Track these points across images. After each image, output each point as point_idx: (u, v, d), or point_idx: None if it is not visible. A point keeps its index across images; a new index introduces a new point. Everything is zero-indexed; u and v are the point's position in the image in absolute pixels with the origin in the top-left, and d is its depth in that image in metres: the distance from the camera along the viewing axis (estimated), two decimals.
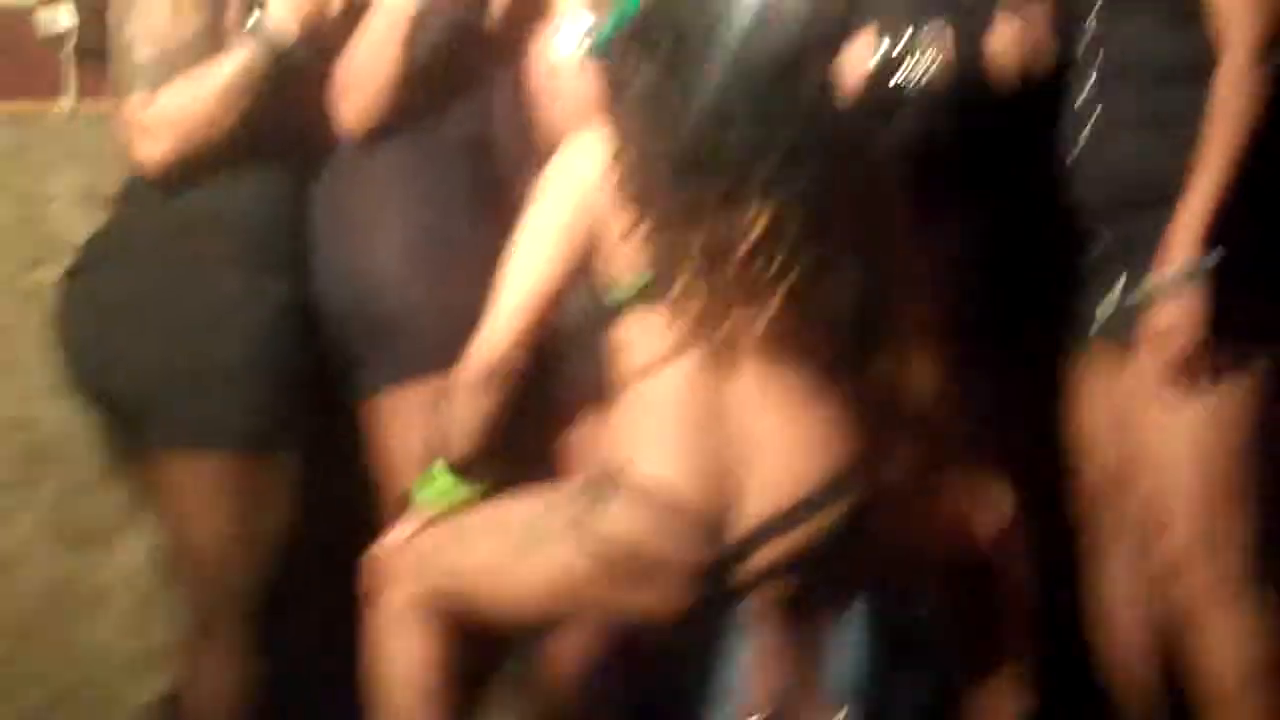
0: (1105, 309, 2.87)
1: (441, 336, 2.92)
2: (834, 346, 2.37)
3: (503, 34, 3.19)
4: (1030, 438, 3.02)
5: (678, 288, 2.27)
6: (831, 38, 2.38)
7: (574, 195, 2.38)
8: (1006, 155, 3.00)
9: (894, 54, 2.89)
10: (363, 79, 2.99)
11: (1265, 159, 2.72)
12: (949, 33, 2.95)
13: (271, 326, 2.91)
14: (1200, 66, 2.72)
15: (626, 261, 2.36)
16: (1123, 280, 2.83)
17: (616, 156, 2.30)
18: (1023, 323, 2.99)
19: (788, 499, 2.35)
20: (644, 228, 2.29)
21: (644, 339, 2.37)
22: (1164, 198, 2.74)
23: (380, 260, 3.00)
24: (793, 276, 2.26)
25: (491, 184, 3.11)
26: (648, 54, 2.27)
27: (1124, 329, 2.82)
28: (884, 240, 2.41)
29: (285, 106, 2.91)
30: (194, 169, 2.84)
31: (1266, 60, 2.70)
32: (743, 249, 2.22)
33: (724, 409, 2.36)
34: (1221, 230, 2.70)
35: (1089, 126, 2.86)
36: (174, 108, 2.80)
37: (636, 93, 2.29)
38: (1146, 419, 2.80)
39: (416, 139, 3.06)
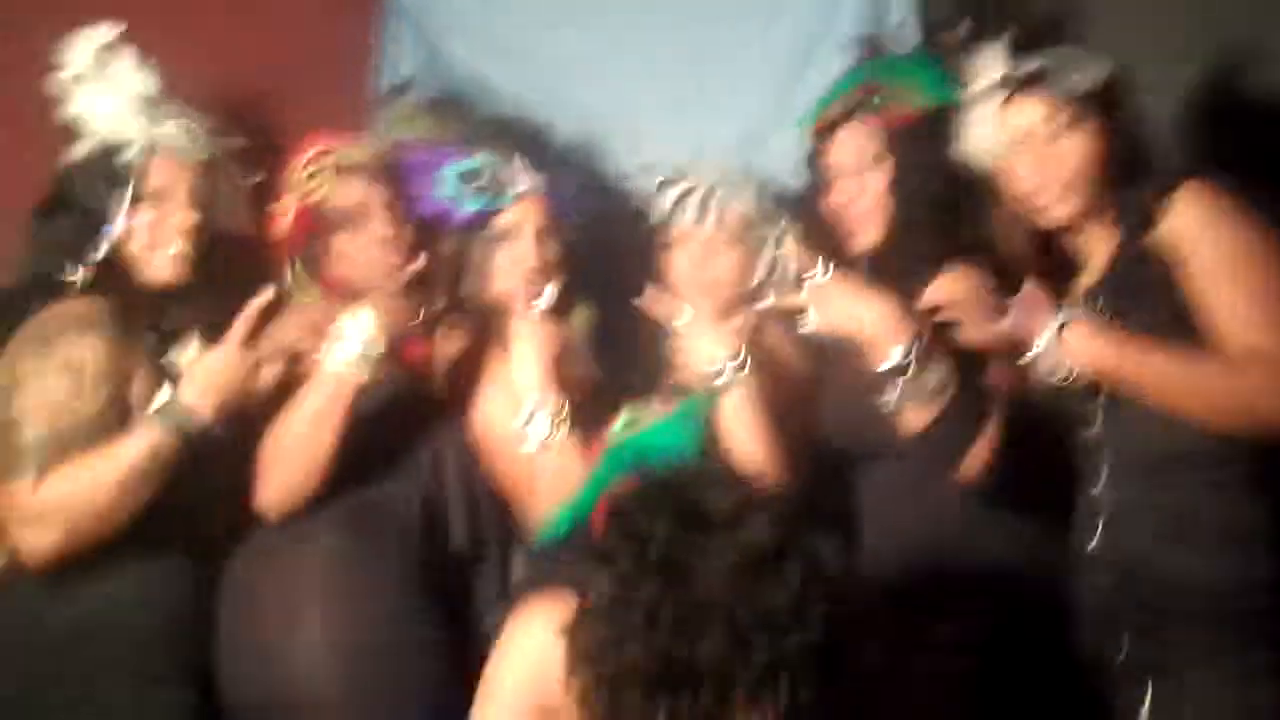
0: None
1: None
2: None
3: (450, 393, 2.94)
4: None
5: None
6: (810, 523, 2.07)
7: (529, 693, 2.14)
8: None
9: None
10: (292, 456, 2.66)
11: None
12: None
13: None
14: (1202, 452, 2.49)
15: None
16: (1147, 702, 2.51)
17: (574, 673, 2.02)
18: None
19: None
20: None
21: None
22: (1184, 603, 2.48)
23: (301, 661, 2.61)
24: None
25: (435, 564, 2.78)
26: (605, 560, 2.01)
27: None
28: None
29: (193, 492, 2.57)
30: (85, 563, 2.51)
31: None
32: None
33: None
34: None
35: (1097, 530, 2.59)
36: (66, 494, 2.47)
37: (595, 601, 2.02)
38: None
39: (348, 518, 2.72)
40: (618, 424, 2.26)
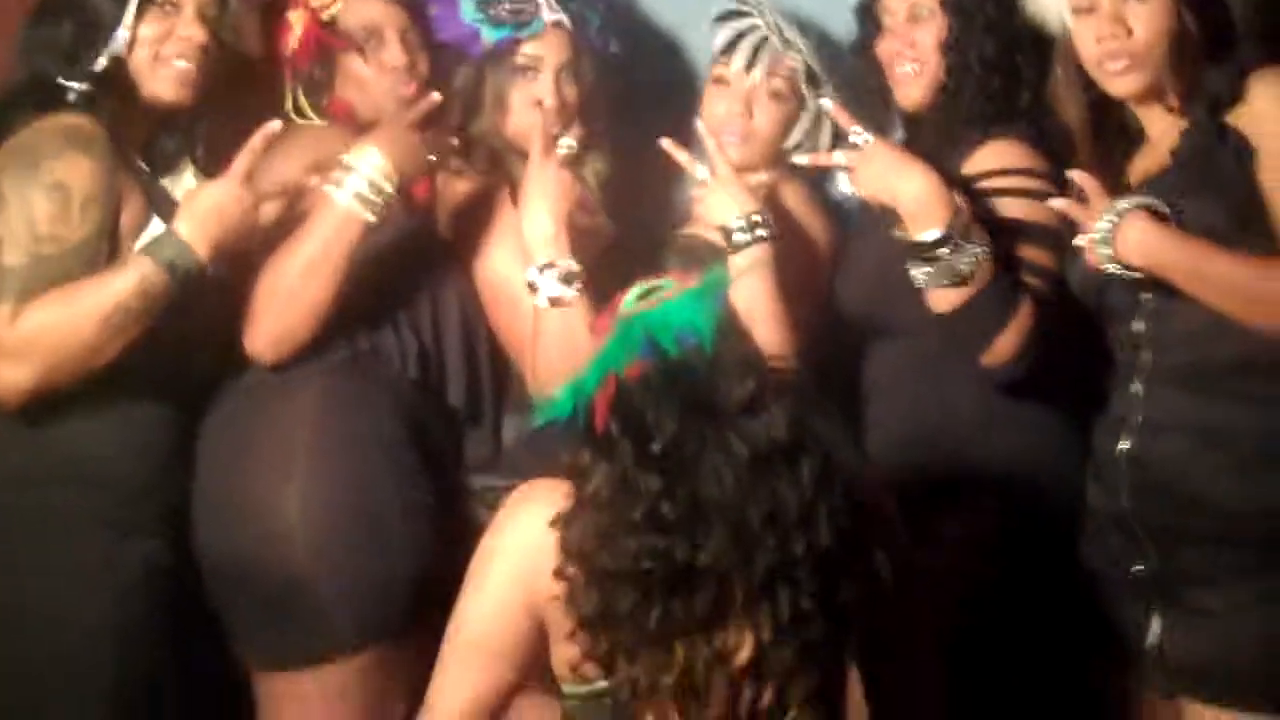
0: (1138, 651, 2.46)
1: (356, 613, 2.48)
2: None
3: (454, 239, 2.78)
4: None
5: None
6: (831, 422, 1.99)
7: (518, 588, 1.99)
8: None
9: None
10: (290, 298, 2.49)
11: None
12: None
13: (137, 596, 2.40)
14: (1252, 362, 2.36)
15: (579, 666, 1.95)
16: (1155, 624, 2.42)
17: (565, 569, 1.91)
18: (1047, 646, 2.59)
19: None
20: (602, 650, 1.89)
21: None
22: (1212, 522, 2.36)
23: (287, 517, 2.47)
24: (791, 715, 1.87)
25: (429, 421, 2.65)
26: (605, 451, 1.89)
27: (1159, 678, 2.43)
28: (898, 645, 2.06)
29: (180, 332, 2.40)
30: (60, 402, 2.36)
31: None
32: (725, 682, 1.85)
33: None
34: None
35: (1130, 432, 2.45)
36: (46, 327, 2.31)
37: (593, 494, 1.90)
38: None
39: (342, 367, 2.57)
40: (631, 295, 2.06)
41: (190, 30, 2.49)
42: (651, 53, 3.14)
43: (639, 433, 1.86)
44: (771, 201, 2.74)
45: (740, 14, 2.86)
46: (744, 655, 1.84)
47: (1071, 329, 2.56)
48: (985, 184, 2.62)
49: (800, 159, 2.71)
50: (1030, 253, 2.57)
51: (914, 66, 2.72)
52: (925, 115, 2.75)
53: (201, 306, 2.42)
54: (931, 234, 2.49)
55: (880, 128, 2.80)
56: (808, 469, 1.86)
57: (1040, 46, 2.61)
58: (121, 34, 2.46)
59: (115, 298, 2.31)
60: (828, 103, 2.75)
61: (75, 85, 2.44)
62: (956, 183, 2.60)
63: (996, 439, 2.62)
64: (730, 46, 2.83)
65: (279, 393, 2.53)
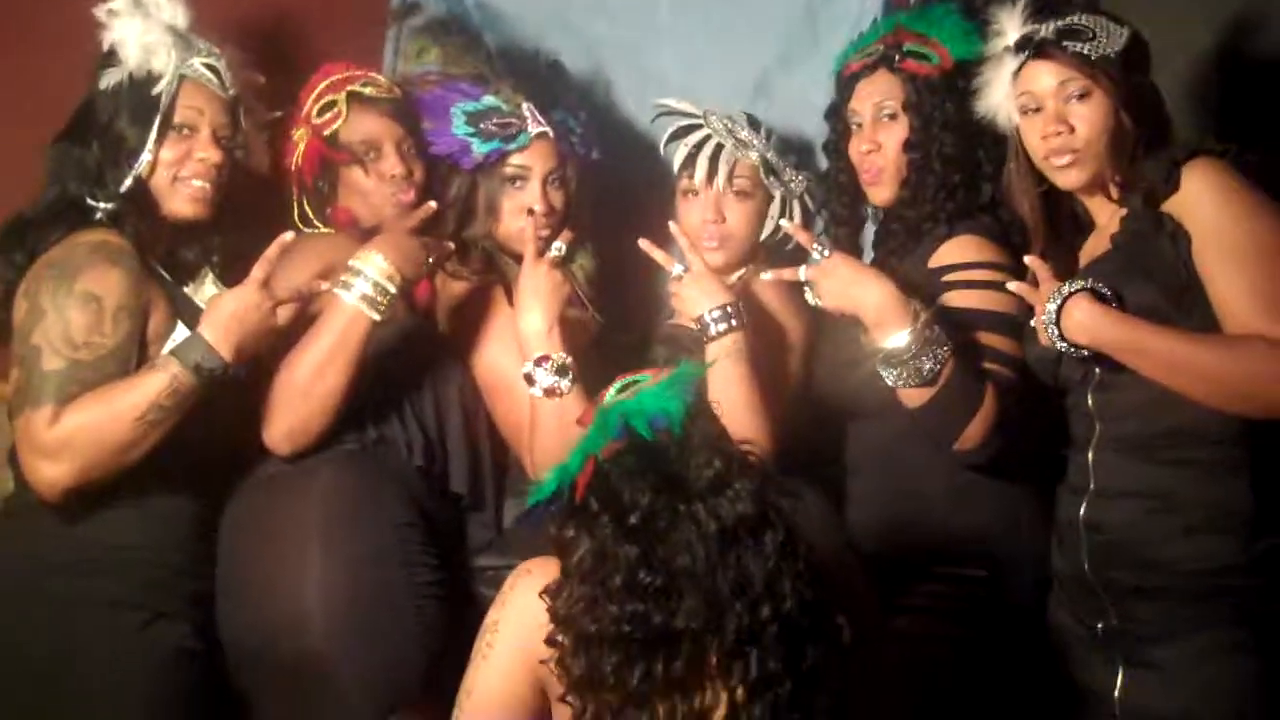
0: (1106, 705, 2.58)
1: (371, 688, 2.61)
2: None
3: (454, 336, 2.96)
4: None
5: None
6: (789, 497, 2.13)
7: (519, 656, 2.16)
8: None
9: None
10: (304, 394, 2.66)
11: None
12: None
13: (167, 678, 2.56)
14: (1190, 430, 2.51)
15: None
16: (1119, 678, 2.56)
17: (555, 636, 2.08)
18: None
19: None
20: (590, 711, 2.05)
21: None
22: (1161, 579, 2.52)
23: (305, 600, 2.61)
24: None
25: (438, 505, 2.82)
26: (586, 525, 2.07)
27: None
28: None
29: (202, 428, 2.58)
30: (96, 496, 2.53)
31: None
32: None
33: None
34: None
35: (1086, 499, 2.61)
36: (83, 427, 2.47)
37: (577, 564, 2.07)
38: None
39: (352, 458, 2.74)
40: (612, 389, 2.23)
41: (206, 152, 2.69)
42: (632, 154, 3.33)
43: (616, 508, 2.03)
44: (746, 294, 2.91)
45: (691, 128, 3.03)
46: (719, 715, 2.00)
47: (1034, 405, 2.73)
48: (950, 276, 2.80)
49: (766, 275, 2.88)
50: (993, 340, 2.74)
51: (880, 165, 2.90)
52: (894, 210, 2.93)
53: (220, 404, 2.58)
54: (895, 341, 2.67)
55: (855, 219, 3.02)
56: (771, 541, 2.03)
57: (999, 142, 2.76)
58: (144, 157, 2.66)
59: (148, 398, 2.48)
60: (786, 223, 2.94)
61: (102, 204, 2.64)
62: (923, 276, 2.78)
63: (966, 510, 2.78)
64: (689, 160, 3.00)
65: (295, 483, 2.69)
